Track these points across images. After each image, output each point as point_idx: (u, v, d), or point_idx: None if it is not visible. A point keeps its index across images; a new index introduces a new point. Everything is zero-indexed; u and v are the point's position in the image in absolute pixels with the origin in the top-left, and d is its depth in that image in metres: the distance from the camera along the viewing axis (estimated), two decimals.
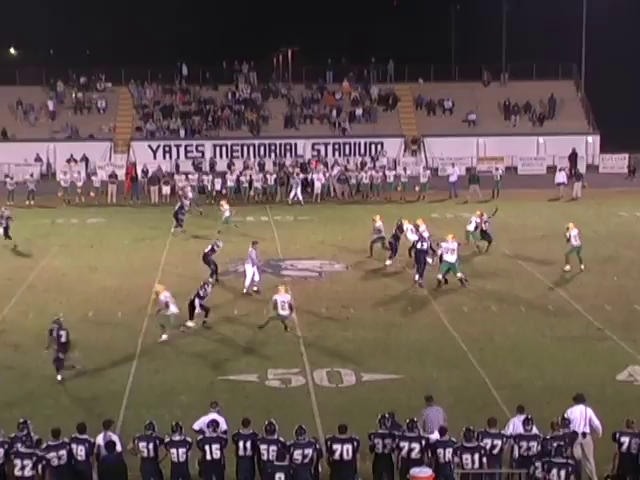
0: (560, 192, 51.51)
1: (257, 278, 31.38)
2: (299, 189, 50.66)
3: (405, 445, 16.63)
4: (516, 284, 31.97)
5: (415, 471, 16.12)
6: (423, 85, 67.56)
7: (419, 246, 32.03)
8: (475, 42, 70.81)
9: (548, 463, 15.99)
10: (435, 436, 16.84)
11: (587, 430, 17.42)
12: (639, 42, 71.31)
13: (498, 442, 16.77)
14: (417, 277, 31.56)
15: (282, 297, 26.46)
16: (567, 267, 33.25)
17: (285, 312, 26.32)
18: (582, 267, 33.04)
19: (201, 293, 27.38)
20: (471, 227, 36.95)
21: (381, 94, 66.15)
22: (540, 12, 71.45)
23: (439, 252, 31.75)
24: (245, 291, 31.15)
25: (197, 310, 27.29)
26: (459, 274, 31.35)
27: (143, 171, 54.20)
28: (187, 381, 22.97)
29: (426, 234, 33.12)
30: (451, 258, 31.17)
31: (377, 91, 66.38)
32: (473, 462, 16.44)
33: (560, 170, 53.11)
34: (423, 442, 16.64)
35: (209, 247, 32.73)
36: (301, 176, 52.82)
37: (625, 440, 16.55)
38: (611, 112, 63.13)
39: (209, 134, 62.60)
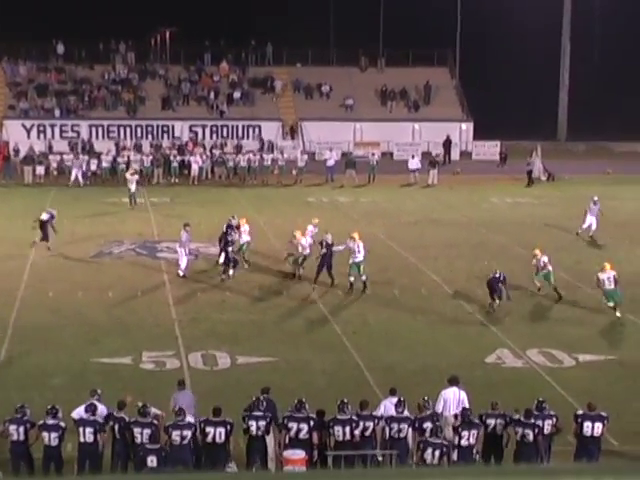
0: (413, 178, 52.15)
1: (183, 263, 30.91)
2: (80, 172, 50.08)
3: (294, 426, 16.75)
4: (390, 268, 32.39)
5: (288, 453, 16.30)
6: (301, 69, 67.77)
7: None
8: (353, 27, 71.22)
9: (423, 443, 16.38)
10: None
11: (459, 412, 17.81)
12: (512, 31, 72.88)
13: (370, 424, 17.04)
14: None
15: None
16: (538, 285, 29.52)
17: None
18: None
19: (228, 238, 30.83)
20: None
21: (259, 77, 66.16)
22: None
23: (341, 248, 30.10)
24: (182, 274, 30.83)
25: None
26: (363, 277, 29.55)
27: (15, 150, 53.19)
28: (59, 363, 22.72)
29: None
30: (359, 257, 29.52)
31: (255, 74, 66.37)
32: (344, 434, 16.69)
33: (413, 157, 53.85)
34: (311, 422, 16.80)
35: (48, 215, 33.92)
36: (178, 158, 52.62)
37: (491, 422, 17.02)
38: (484, 100, 64.36)
39: (85, 114, 61.69)
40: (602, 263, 27.96)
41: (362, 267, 29.38)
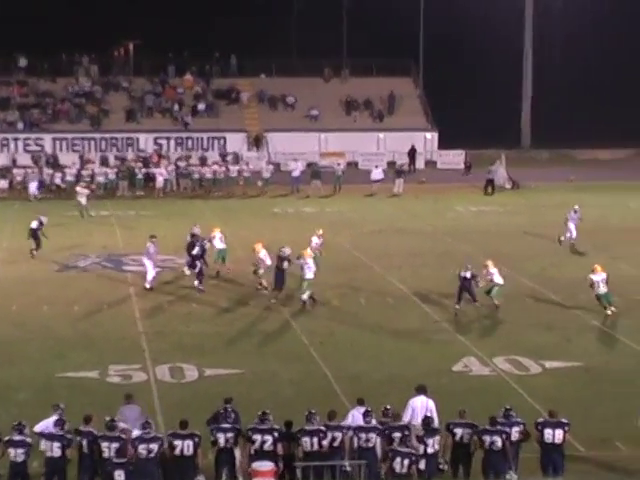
0: (373, 188, 52.01)
1: (150, 275, 30.79)
2: (35, 185, 49.80)
3: (258, 437, 16.68)
4: (356, 278, 32.42)
5: (257, 465, 16.24)
6: (265, 80, 67.80)
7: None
8: (316, 38, 71.25)
9: (392, 452, 16.38)
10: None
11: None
12: (474, 41, 73.29)
13: (338, 434, 17.02)
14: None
15: None
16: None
17: None
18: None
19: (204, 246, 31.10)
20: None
21: (223, 88, 66.11)
22: (379, 9, 72.54)
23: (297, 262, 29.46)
24: (148, 286, 30.70)
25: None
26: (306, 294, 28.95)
27: None
28: (24, 378, 22.54)
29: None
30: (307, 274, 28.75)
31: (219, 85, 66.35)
32: (312, 445, 16.66)
33: (377, 167, 53.90)
34: (276, 434, 16.74)
35: (36, 223, 34.64)
36: (143, 170, 52.44)
37: (458, 431, 17.04)
38: (448, 109, 64.57)
39: (48, 127, 61.38)
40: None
41: (305, 284, 28.71)
